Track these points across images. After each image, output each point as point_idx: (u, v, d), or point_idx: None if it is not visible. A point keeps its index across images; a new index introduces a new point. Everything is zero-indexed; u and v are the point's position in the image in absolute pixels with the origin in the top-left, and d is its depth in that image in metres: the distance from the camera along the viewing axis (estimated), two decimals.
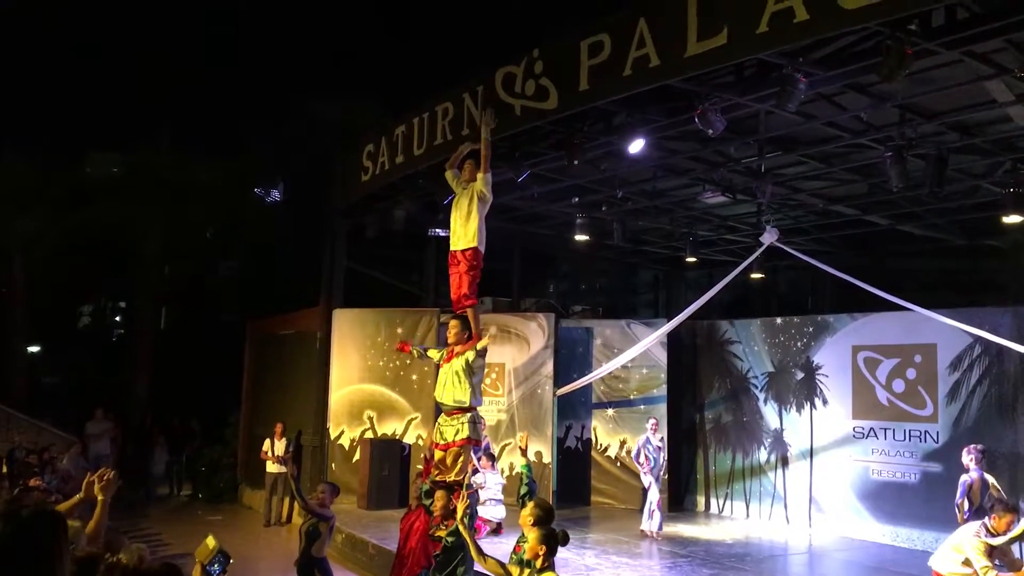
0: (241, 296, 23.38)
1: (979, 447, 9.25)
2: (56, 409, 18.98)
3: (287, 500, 15.33)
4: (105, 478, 3.91)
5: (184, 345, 23.86)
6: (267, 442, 15.43)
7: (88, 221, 20.28)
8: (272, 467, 15.23)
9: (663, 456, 13.50)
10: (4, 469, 9.67)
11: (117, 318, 29.12)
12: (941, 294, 16.17)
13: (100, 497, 3.82)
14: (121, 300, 27.90)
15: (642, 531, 12.91)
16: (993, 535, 7.07)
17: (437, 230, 14.30)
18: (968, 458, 9.14)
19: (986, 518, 7.28)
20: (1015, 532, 7.08)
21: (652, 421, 13.57)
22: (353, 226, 16.01)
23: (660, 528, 12.82)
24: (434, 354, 8.21)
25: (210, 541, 3.50)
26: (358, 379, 15.65)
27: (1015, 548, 7.56)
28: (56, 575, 2.38)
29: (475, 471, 11.02)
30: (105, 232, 21.27)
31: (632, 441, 14.60)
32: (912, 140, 9.66)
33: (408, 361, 15.31)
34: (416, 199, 13.37)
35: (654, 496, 12.93)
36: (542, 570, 5.60)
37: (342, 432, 15.58)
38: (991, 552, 7.03)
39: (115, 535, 5.65)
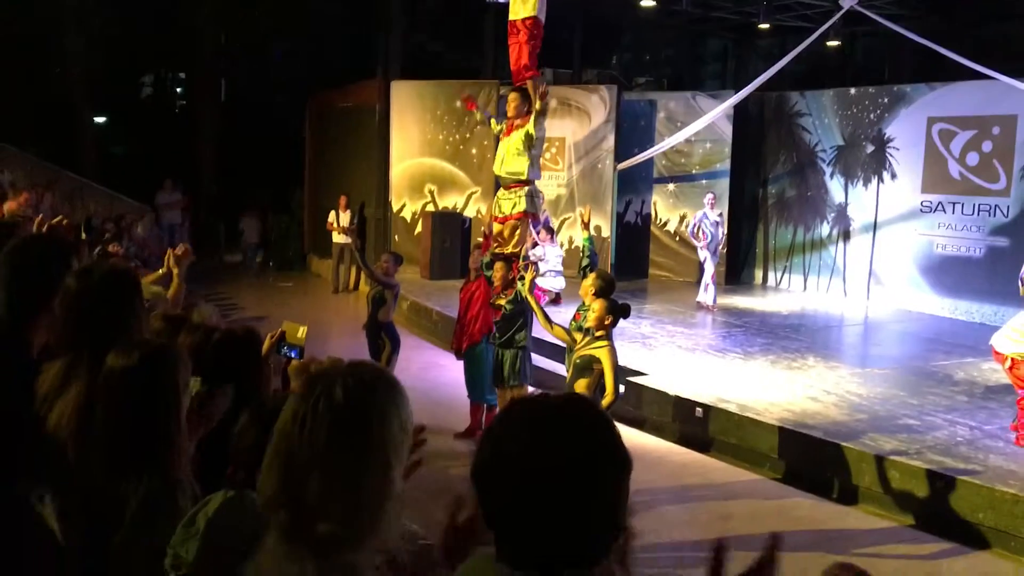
0: (299, 67, 23.11)
1: None
2: (125, 179, 19.47)
3: (354, 269, 15.89)
4: (181, 251, 4.05)
5: (245, 117, 23.94)
6: (332, 214, 15.79)
7: None
8: (338, 238, 15.65)
9: (721, 231, 13.48)
10: (83, 236, 10.09)
11: (178, 89, 29.12)
12: None
13: (176, 270, 3.97)
14: (181, 71, 27.74)
15: (698, 303, 13.17)
16: None
17: None
18: None
19: None
20: None
21: (710, 196, 13.44)
22: None
23: (714, 301, 13.05)
24: (495, 126, 8.14)
25: (302, 332, 3.56)
26: (418, 153, 15.68)
27: None
28: (132, 328, 2.50)
29: (535, 244, 11.18)
30: (159, 5, 20.88)
31: (692, 216, 14.59)
32: None
33: (468, 135, 15.23)
34: None
35: (709, 270, 13.06)
36: (600, 337, 5.82)
37: (404, 205, 15.82)
38: None
39: (193, 298, 5.95)
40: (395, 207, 15.87)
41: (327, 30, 21.67)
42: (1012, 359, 7.15)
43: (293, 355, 3.44)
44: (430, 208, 15.51)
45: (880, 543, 6.10)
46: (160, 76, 28.22)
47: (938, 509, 6.37)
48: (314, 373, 1.56)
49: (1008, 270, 10.11)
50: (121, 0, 20.28)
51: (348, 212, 15.73)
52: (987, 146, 12.55)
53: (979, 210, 12.67)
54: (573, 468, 1.34)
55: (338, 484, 1.45)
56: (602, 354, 5.73)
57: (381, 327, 8.23)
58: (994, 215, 12.48)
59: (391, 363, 8.03)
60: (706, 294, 13.05)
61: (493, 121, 8.23)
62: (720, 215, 13.56)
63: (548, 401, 1.45)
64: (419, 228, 15.50)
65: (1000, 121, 12.35)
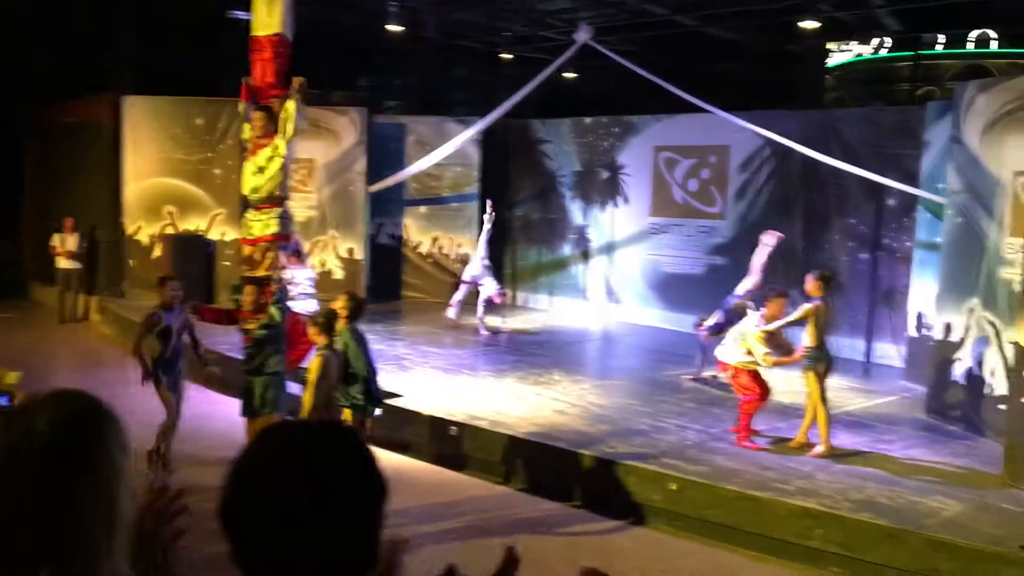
0: (9, 82, 21.06)
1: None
2: None
3: (82, 297, 14.71)
4: None
5: None
6: (56, 236, 14.49)
7: None
8: (64, 263, 14.40)
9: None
10: None
11: None
12: (740, 98, 16.94)
13: None
14: None
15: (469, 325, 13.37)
16: (768, 323, 7.81)
17: (237, 12, 13.30)
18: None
19: (762, 308, 8.02)
20: (787, 319, 7.85)
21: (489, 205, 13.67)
22: (142, 5, 14.57)
23: (455, 316, 13.32)
24: (247, 131, 7.64)
25: (13, 377, 3.27)
26: (155, 172, 14.79)
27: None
28: None
29: (282, 268, 10.90)
30: None
31: (444, 238, 15.21)
32: None
33: (210, 154, 14.61)
34: None
35: (461, 291, 13.38)
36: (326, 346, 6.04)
37: (139, 227, 14.86)
38: (768, 339, 7.78)
39: None
40: (129, 229, 14.86)
41: (41, 41, 19.94)
42: (735, 368, 7.90)
43: (3, 402, 3.15)
44: (170, 230, 14.68)
45: (609, 537, 6.49)
46: None
47: (673, 509, 6.87)
48: (9, 411, 1.42)
49: (726, 286, 11.14)
50: None
51: (75, 235, 14.51)
52: (705, 173, 13.81)
53: (699, 231, 13.90)
54: (327, 500, 1.28)
55: (57, 524, 1.33)
56: (311, 366, 6.14)
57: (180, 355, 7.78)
58: (712, 236, 13.74)
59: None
60: (453, 309, 13.34)
61: (247, 125, 7.69)
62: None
63: (299, 430, 1.39)
64: (158, 252, 14.61)
65: (716, 151, 13.64)
